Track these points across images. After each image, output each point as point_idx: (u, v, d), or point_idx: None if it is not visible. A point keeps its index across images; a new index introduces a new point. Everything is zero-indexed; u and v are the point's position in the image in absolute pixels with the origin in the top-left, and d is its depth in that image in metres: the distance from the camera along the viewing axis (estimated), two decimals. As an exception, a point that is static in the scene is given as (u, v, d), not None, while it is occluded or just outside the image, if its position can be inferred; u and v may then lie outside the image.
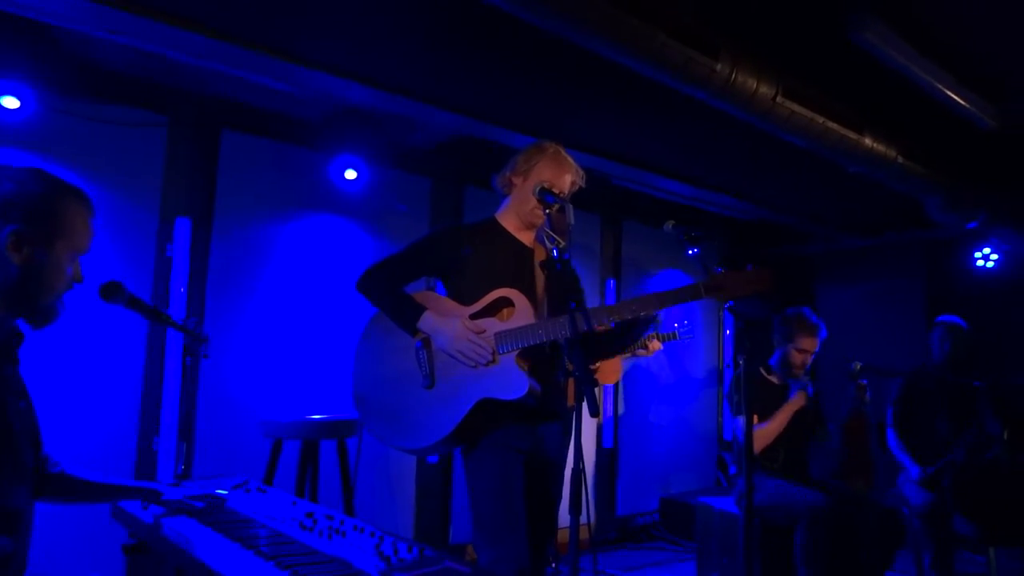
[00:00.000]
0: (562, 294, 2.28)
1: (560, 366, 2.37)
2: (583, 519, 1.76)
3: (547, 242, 2.19)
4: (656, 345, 3.76)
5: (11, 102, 2.86)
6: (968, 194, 4.41)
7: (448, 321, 2.18)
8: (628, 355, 3.77)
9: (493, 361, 2.14)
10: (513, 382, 2.11)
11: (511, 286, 2.23)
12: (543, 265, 2.37)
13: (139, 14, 2.46)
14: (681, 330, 3.96)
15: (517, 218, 2.36)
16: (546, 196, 2.20)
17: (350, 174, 3.73)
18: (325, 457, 3.07)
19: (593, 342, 2.27)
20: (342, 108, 3.60)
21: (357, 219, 3.97)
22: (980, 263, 5.34)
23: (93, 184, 3.18)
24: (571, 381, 2.12)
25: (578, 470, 1.75)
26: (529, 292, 2.27)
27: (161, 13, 2.52)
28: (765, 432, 3.37)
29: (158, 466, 3.28)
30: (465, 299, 2.27)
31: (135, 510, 1.88)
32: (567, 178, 2.32)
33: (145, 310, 1.96)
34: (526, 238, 2.38)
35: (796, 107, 3.10)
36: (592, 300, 5.15)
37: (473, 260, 2.29)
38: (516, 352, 2.14)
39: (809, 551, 3.19)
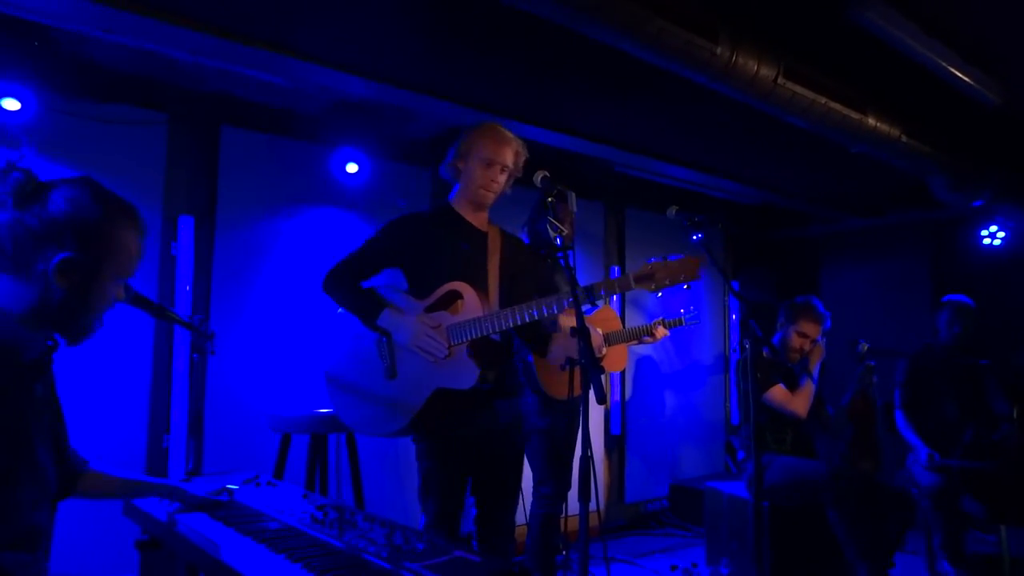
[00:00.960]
0: (541, 282, 2.40)
1: (513, 350, 2.51)
2: (593, 506, 1.77)
3: (550, 230, 2.21)
4: (663, 332, 3.75)
5: (12, 104, 2.86)
6: (973, 172, 4.38)
7: (406, 318, 2.27)
8: (635, 342, 3.77)
9: (449, 354, 2.25)
10: (465, 373, 2.24)
11: (464, 275, 2.32)
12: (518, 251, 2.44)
13: (136, 12, 2.46)
14: (687, 316, 3.96)
15: (468, 201, 2.42)
16: (545, 183, 2.23)
17: (351, 167, 3.73)
18: (334, 450, 3.08)
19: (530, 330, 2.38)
20: (341, 101, 3.60)
21: (359, 212, 3.97)
22: (987, 241, 5.31)
23: (96, 184, 3.19)
24: (576, 370, 2.12)
25: (586, 457, 1.76)
26: (481, 280, 2.35)
27: (158, 11, 2.52)
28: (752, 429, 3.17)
29: (169, 463, 3.30)
30: (422, 289, 2.35)
31: (148, 507, 1.90)
32: (507, 151, 2.38)
33: (151, 308, 1.97)
34: (479, 221, 2.45)
35: (797, 88, 3.08)
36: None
37: (429, 247, 2.37)
38: (467, 343, 2.25)
39: (844, 517, 3.19)
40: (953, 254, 5.59)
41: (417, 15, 2.82)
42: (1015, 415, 3.86)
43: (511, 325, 2.21)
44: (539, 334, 2.43)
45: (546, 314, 2.20)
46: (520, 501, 2.52)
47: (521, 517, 3.28)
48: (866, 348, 3.75)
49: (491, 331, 2.23)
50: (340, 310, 2.41)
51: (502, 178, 2.37)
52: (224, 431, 3.46)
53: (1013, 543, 3.75)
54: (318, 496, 2.01)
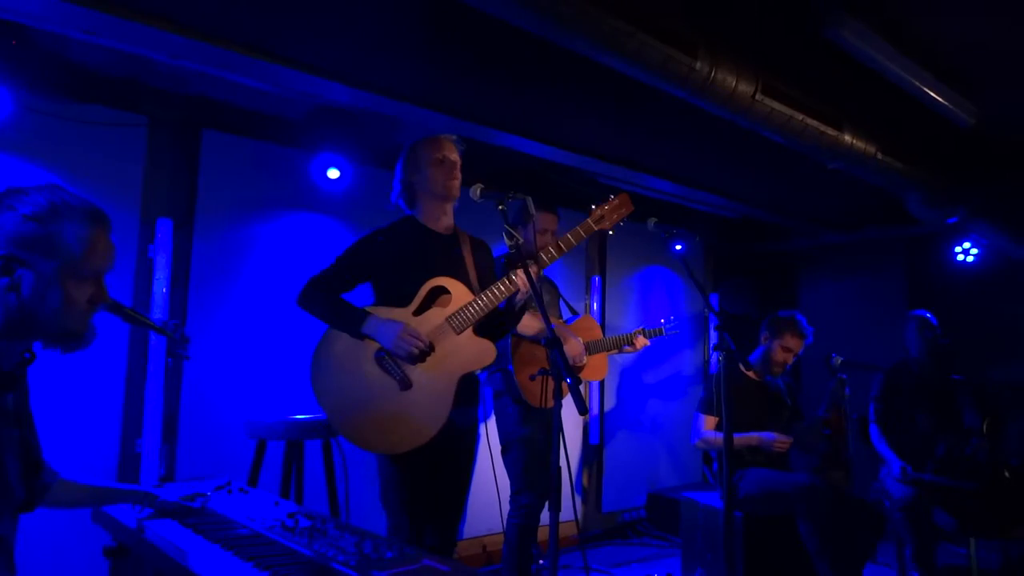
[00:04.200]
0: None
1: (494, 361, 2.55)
2: (571, 516, 1.79)
3: (506, 239, 2.27)
4: (643, 341, 3.78)
5: (-12, 103, 2.84)
6: (948, 190, 4.45)
7: (389, 324, 2.29)
8: (615, 351, 3.79)
9: (453, 341, 2.33)
10: (483, 351, 2.37)
11: (445, 274, 2.40)
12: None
13: (115, 14, 2.44)
14: (667, 326, 3.99)
15: (436, 204, 2.52)
16: (486, 194, 2.30)
17: (332, 173, 3.73)
18: (310, 457, 3.07)
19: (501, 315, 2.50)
20: (324, 107, 3.59)
21: (340, 218, 3.96)
22: (960, 257, 5.40)
23: (73, 185, 3.13)
24: (550, 379, 2.15)
25: (558, 468, 1.77)
26: (463, 277, 2.44)
27: (139, 13, 2.51)
28: (727, 440, 2.86)
29: (141, 468, 3.27)
30: (399, 299, 2.38)
31: (117, 513, 1.88)
32: (448, 145, 2.54)
33: (123, 313, 1.95)
34: (446, 228, 2.55)
35: (775, 104, 3.12)
36: (577, 298, 5.18)
37: (404, 259, 2.43)
38: (471, 327, 2.37)
39: (816, 530, 3.22)
40: (928, 269, 5.68)
41: (402, 25, 2.83)
42: (985, 429, 3.92)
43: (503, 296, 2.34)
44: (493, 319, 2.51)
45: (525, 285, 2.34)
46: (499, 510, 2.55)
47: (499, 526, 3.29)
48: (839, 361, 3.80)
49: (488, 309, 2.35)
50: (321, 343, 2.39)
51: (457, 173, 2.51)
52: (198, 437, 3.43)
53: (982, 555, 3.80)
54: (290, 503, 2.00)
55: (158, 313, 3.32)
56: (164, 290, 3.36)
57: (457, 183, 2.51)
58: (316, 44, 2.90)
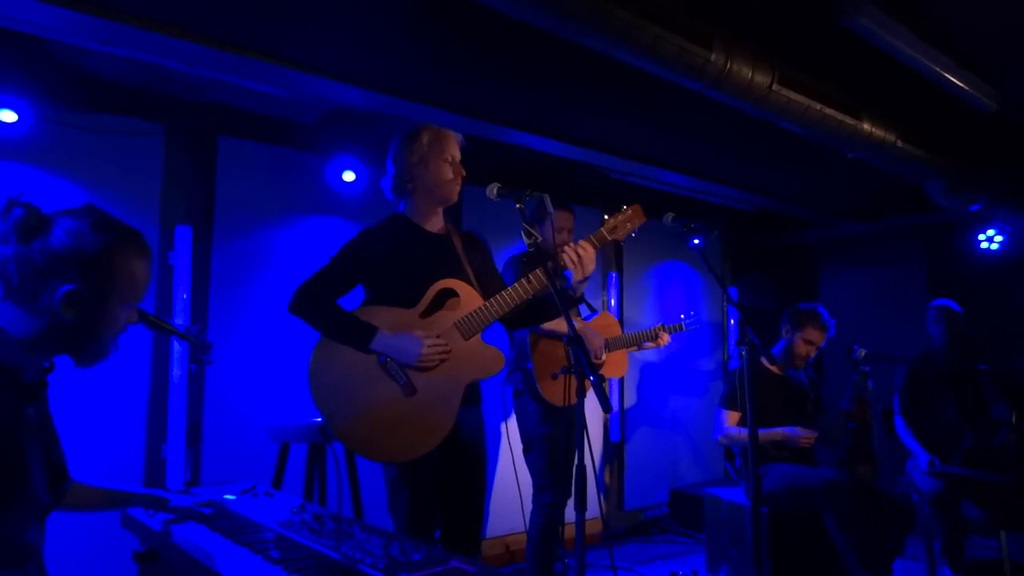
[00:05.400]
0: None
1: (511, 358, 2.56)
2: (594, 514, 1.77)
3: (525, 238, 2.23)
4: (664, 337, 3.76)
5: (9, 116, 2.87)
6: (970, 176, 4.38)
7: (404, 338, 2.21)
8: (635, 348, 3.77)
9: (461, 347, 2.27)
10: (492, 359, 2.28)
11: (446, 275, 2.32)
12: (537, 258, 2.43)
13: (131, 24, 2.46)
14: (687, 321, 3.96)
15: (432, 203, 2.44)
16: (503, 193, 2.24)
17: (348, 176, 3.74)
18: (332, 460, 3.07)
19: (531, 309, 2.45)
20: (338, 110, 3.60)
21: (356, 220, 3.97)
22: (984, 245, 5.31)
23: (93, 194, 3.19)
24: (571, 377, 2.13)
25: (581, 466, 1.75)
26: (463, 277, 2.37)
27: (154, 23, 2.53)
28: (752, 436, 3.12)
29: (167, 474, 3.30)
30: (399, 300, 2.30)
31: (144, 518, 1.89)
32: (455, 146, 2.44)
33: (148, 321, 1.97)
34: (438, 226, 2.47)
35: (793, 95, 3.09)
36: (595, 294, 5.16)
37: (395, 261, 2.33)
38: (480, 333, 2.30)
39: (844, 525, 3.18)
40: (951, 258, 5.59)
41: (413, 24, 2.83)
42: (1014, 420, 3.85)
43: (515, 302, 2.28)
44: (536, 309, 2.47)
45: (539, 287, 2.28)
46: (521, 509, 2.51)
47: (522, 525, 3.28)
48: (863, 354, 3.75)
49: (499, 314, 2.29)
50: (317, 348, 2.30)
51: (461, 174, 2.44)
52: (222, 441, 3.46)
53: (1013, 548, 3.73)
54: (315, 506, 2.01)
55: (179, 319, 3.35)
56: (185, 296, 3.39)
57: (459, 186, 2.45)
58: (327, 47, 2.91)
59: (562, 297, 2.04)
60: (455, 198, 2.46)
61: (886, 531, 3.29)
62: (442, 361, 2.23)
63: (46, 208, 1.36)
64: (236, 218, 3.60)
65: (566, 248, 2.35)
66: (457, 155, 2.44)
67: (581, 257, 2.31)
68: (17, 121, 2.89)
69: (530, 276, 2.27)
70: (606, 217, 2.48)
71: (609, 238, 2.44)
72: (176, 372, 3.34)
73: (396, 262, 2.32)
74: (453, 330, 2.27)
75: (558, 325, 2.85)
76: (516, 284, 2.28)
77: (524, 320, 2.56)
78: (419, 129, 2.43)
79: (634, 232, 2.48)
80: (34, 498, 1.33)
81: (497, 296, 2.28)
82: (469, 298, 2.31)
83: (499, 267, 2.71)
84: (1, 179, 3.00)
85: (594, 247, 2.36)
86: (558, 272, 2.34)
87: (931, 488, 3.64)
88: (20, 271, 1.29)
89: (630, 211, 2.47)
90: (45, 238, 1.30)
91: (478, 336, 2.29)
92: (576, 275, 2.34)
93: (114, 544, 2.87)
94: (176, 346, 3.35)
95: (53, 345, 1.35)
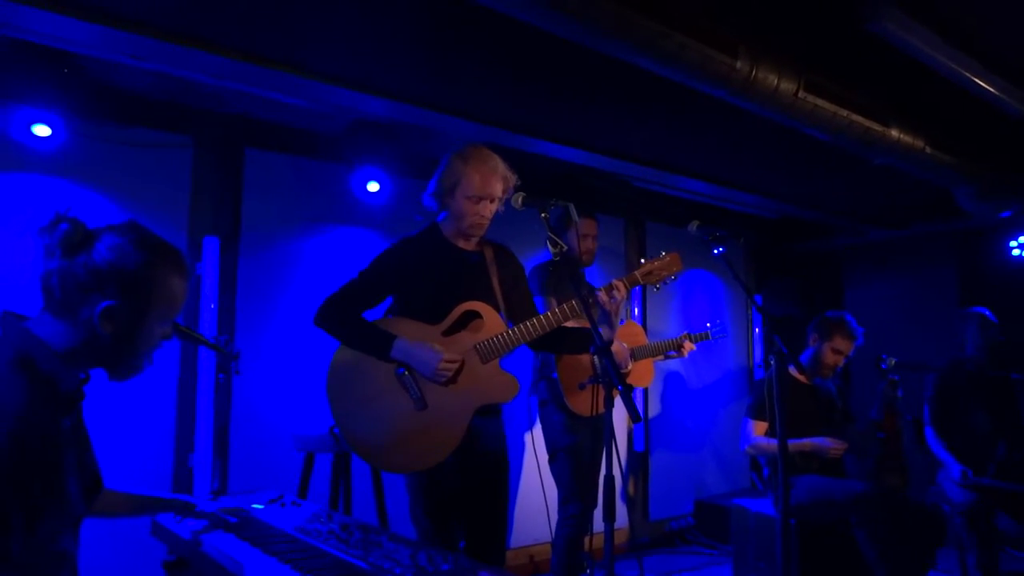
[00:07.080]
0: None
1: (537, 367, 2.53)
2: (621, 523, 1.76)
3: (550, 246, 2.18)
4: (690, 346, 3.73)
5: (42, 130, 2.92)
6: (1001, 182, 4.31)
7: (422, 349, 2.22)
8: (661, 357, 3.75)
9: (477, 370, 2.27)
10: (506, 385, 2.29)
11: (472, 296, 2.31)
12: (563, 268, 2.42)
13: (159, 38, 2.51)
14: (713, 330, 3.93)
15: (458, 232, 2.39)
16: (528, 202, 2.20)
17: (372, 186, 3.76)
18: (357, 469, 3.08)
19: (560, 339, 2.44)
20: (362, 121, 3.63)
21: (381, 231, 4.00)
22: (1016, 252, 5.21)
23: (123, 206, 3.25)
24: (599, 388, 2.12)
25: (610, 476, 1.74)
26: (490, 299, 2.35)
27: (181, 37, 2.57)
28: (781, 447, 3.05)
29: (195, 483, 3.32)
30: (424, 315, 2.31)
31: (174, 526, 1.91)
32: (495, 182, 2.31)
33: (177, 331, 1.99)
34: (471, 245, 2.43)
35: (819, 101, 3.06)
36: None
37: (430, 273, 2.33)
38: (498, 359, 2.29)
39: (874, 538, 3.13)
40: (981, 266, 5.49)
41: (434, 34, 2.85)
42: (1049, 430, 3.77)
43: (538, 334, 2.28)
44: (558, 338, 2.43)
45: (563, 320, 2.29)
46: (547, 519, 2.50)
47: (547, 535, 3.26)
48: (892, 362, 3.69)
49: (519, 343, 2.28)
50: (338, 353, 2.32)
51: (492, 208, 2.34)
52: (249, 450, 3.48)
53: (1051, 561, 3.65)
54: (342, 515, 2.01)
55: (207, 329, 3.38)
56: (212, 306, 3.42)
57: (484, 226, 2.35)
58: (350, 58, 2.94)
59: (588, 306, 2.03)
60: (476, 235, 2.39)
61: (917, 544, 3.23)
62: (456, 380, 2.24)
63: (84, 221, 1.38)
64: (262, 229, 3.64)
65: (600, 291, 2.35)
66: (492, 193, 2.30)
67: (615, 299, 2.31)
68: (51, 135, 2.94)
69: (561, 307, 2.27)
70: (643, 261, 2.45)
71: (642, 282, 2.42)
72: (203, 382, 3.37)
73: (425, 278, 2.33)
74: (472, 352, 2.28)
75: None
76: (543, 315, 2.29)
77: (547, 347, 2.58)
78: (467, 151, 2.34)
79: (670, 279, 2.44)
80: (69, 507, 1.35)
81: (521, 325, 2.29)
82: (492, 323, 2.31)
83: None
84: (35, 192, 3.07)
85: (626, 288, 2.34)
86: (581, 279, 2.33)
87: (963, 500, 3.56)
88: (63, 285, 1.31)
89: (668, 258, 2.43)
90: (88, 253, 1.32)
91: (496, 361, 2.30)
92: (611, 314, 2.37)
93: (143, 552, 2.90)
94: (203, 356, 3.38)
95: (90, 358, 1.37)
